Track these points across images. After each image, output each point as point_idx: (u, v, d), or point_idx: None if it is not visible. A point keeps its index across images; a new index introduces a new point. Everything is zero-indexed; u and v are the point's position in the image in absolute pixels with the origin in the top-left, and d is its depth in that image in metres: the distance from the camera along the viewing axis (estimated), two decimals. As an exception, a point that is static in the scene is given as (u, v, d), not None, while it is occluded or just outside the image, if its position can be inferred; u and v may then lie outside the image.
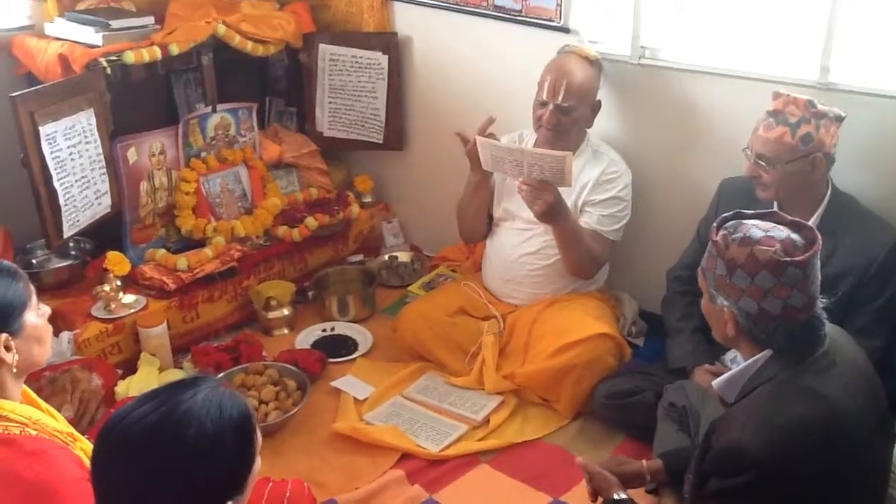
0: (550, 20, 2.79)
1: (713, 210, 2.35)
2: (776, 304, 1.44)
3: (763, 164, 2.09)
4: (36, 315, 1.55)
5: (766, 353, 1.49)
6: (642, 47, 2.65)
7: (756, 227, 1.49)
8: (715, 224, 1.56)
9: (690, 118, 2.60)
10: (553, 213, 2.39)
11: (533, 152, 2.34)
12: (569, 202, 2.50)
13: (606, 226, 2.56)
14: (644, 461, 1.90)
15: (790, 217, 1.55)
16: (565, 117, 2.51)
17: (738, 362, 1.62)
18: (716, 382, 1.59)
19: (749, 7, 2.44)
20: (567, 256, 2.54)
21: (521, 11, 2.87)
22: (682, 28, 2.60)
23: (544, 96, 2.52)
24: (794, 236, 1.48)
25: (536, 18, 2.83)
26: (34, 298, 1.55)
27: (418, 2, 3.20)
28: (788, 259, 1.43)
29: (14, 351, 1.48)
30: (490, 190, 2.74)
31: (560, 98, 2.49)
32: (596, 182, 2.56)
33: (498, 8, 2.94)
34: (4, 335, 1.46)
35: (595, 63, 2.58)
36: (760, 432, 1.39)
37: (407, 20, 3.29)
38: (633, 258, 2.85)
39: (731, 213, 1.58)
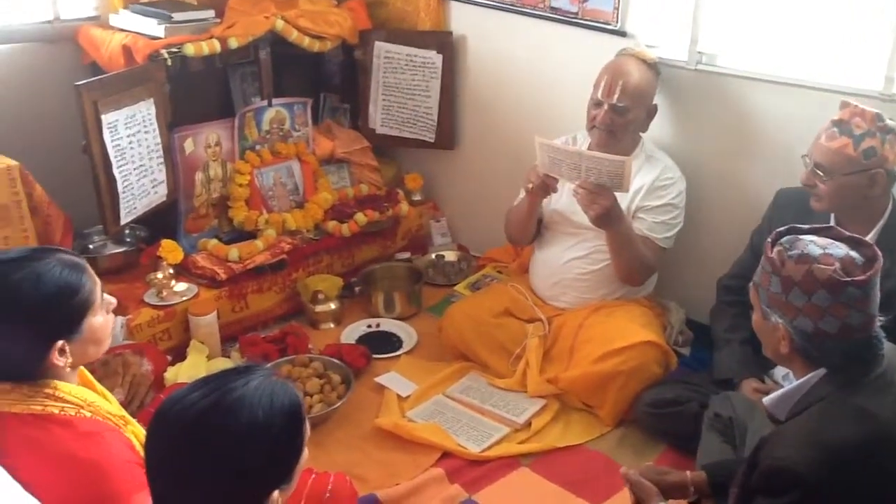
0: (607, 23, 2.78)
1: (767, 220, 2.32)
2: (834, 323, 1.41)
3: (820, 173, 2.05)
4: (100, 314, 1.56)
5: (820, 371, 1.46)
6: (700, 53, 2.61)
7: (814, 244, 1.45)
8: (770, 239, 1.52)
9: (747, 126, 2.57)
10: (609, 217, 2.37)
11: (592, 156, 2.33)
12: (622, 206, 2.47)
13: (658, 233, 2.53)
14: (687, 472, 1.87)
15: (848, 233, 1.51)
16: (619, 118, 2.49)
17: (790, 379, 1.59)
18: (767, 400, 1.56)
19: (811, 14, 2.39)
20: (618, 262, 2.52)
21: (577, 14, 2.86)
22: (741, 34, 2.57)
23: (599, 95, 2.51)
24: (854, 254, 1.44)
25: (593, 21, 2.82)
26: (99, 297, 1.56)
27: (474, 1, 3.21)
28: (848, 279, 1.39)
29: (68, 354, 1.49)
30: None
31: (615, 98, 2.47)
32: (650, 188, 2.53)
33: (554, 10, 2.92)
34: (61, 342, 1.48)
35: (653, 66, 2.56)
36: (810, 451, 1.36)
37: (462, 19, 3.30)
38: (682, 266, 2.81)
39: (785, 227, 1.54)
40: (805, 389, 1.48)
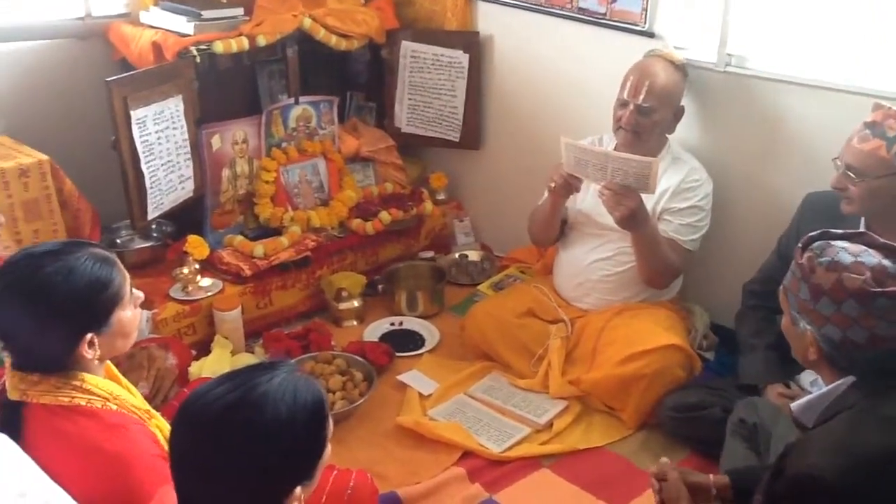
0: (635, 24, 2.76)
1: (795, 224, 2.29)
2: (862, 333, 1.39)
3: (852, 175, 2.02)
4: (128, 308, 1.57)
5: (849, 378, 1.44)
6: (729, 55, 2.59)
7: (845, 251, 1.42)
8: (800, 244, 1.50)
9: (776, 129, 2.54)
10: (634, 219, 2.36)
11: (618, 156, 2.31)
12: (647, 208, 2.45)
13: (684, 235, 2.51)
14: (710, 475, 1.86)
15: (882, 240, 1.49)
16: (645, 119, 2.48)
17: (818, 385, 1.58)
18: (794, 405, 1.55)
19: (842, 16, 2.37)
20: (643, 264, 2.51)
21: (605, 14, 2.84)
22: (771, 36, 2.54)
23: (625, 96, 2.50)
24: (886, 263, 1.41)
25: (621, 22, 2.80)
26: (128, 291, 1.58)
27: (502, 2, 3.20)
28: (879, 289, 1.37)
29: (96, 347, 1.51)
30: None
31: (641, 98, 2.45)
32: (676, 190, 2.52)
33: (582, 10, 2.91)
34: (90, 335, 1.50)
35: (680, 68, 2.54)
36: (838, 460, 1.34)
37: (489, 19, 3.30)
38: (708, 269, 2.79)
39: (817, 232, 1.51)
40: (833, 396, 1.46)
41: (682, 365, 2.41)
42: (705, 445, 2.26)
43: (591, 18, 2.89)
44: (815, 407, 1.50)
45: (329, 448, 1.29)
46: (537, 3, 3.06)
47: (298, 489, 1.21)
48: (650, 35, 2.72)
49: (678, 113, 2.56)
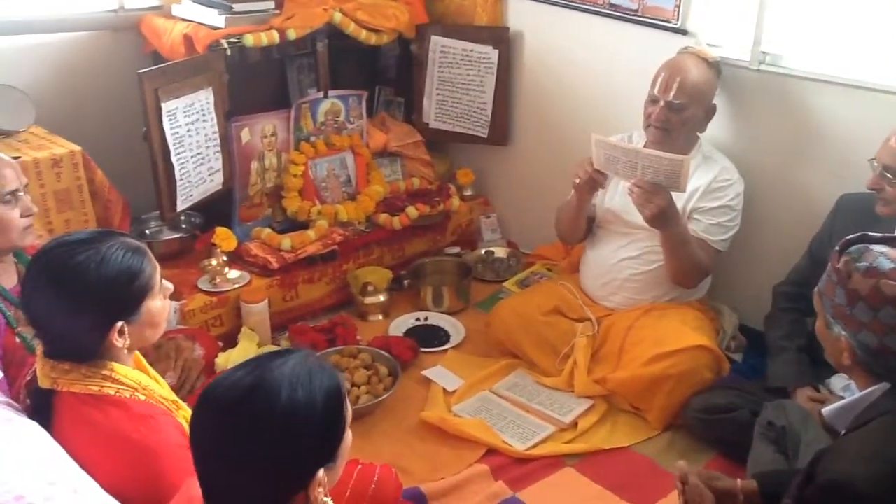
0: (667, 21, 2.73)
1: (829, 226, 2.26)
2: None
3: (889, 176, 1.98)
4: (158, 298, 1.59)
5: (884, 385, 1.42)
6: (763, 53, 2.56)
7: (884, 257, 1.38)
8: (837, 247, 1.46)
9: (809, 128, 2.50)
10: (664, 217, 2.33)
11: (649, 154, 2.29)
12: (678, 207, 2.43)
13: (714, 235, 2.48)
14: (738, 480, 1.83)
15: (922, 244, 1.45)
16: (675, 116, 2.45)
17: (850, 391, 1.55)
18: (826, 410, 1.52)
19: (878, 15, 2.32)
20: (672, 263, 2.48)
21: (637, 11, 2.82)
22: (807, 35, 2.50)
23: (656, 92, 2.47)
24: (926, 268, 1.38)
25: (653, 18, 2.77)
26: (158, 281, 1.59)
27: (533, -3, 3.19)
28: None
29: (126, 335, 1.52)
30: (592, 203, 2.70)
31: (672, 95, 2.43)
32: (707, 189, 2.49)
33: (613, 6, 2.89)
34: (120, 323, 1.51)
35: (714, 65, 2.51)
36: (870, 467, 1.32)
37: (520, 15, 3.28)
38: (737, 270, 2.76)
39: (855, 235, 1.47)
40: (867, 402, 1.43)
41: (709, 366, 2.39)
42: (732, 448, 2.24)
43: (622, 14, 2.86)
44: (848, 412, 1.47)
45: (350, 434, 1.28)
46: (568, -1, 3.04)
47: (321, 472, 1.20)
48: (683, 32, 2.69)
49: (710, 111, 2.53)
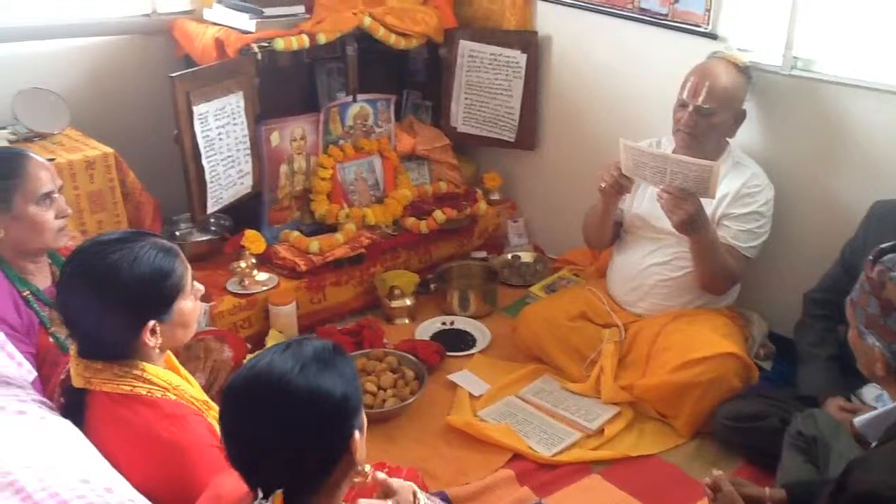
0: (697, 25, 2.71)
1: (862, 234, 2.23)
2: None
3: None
4: (189, 299, 1.61)
5: (918, 396, 1.40)
6: (795, 58, 2.53)
7: None
8: (871, 256, 1.44)
9: (842, 134, 2.47)
10: (693, 224, 2.32)
11: (678, 159, 2.27)
12: (706, 213, 2.41)
13: (744, 241, 2.46)
14: (766, 489, 1.82)
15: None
16: (704, 121, 2.43)
17: (882, 401, 1.53)
18: (858, 420, 1.50)
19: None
20: (701, 270, 2.47)
21: (667, 15, 2.80)
22: (839, 39, 2.47)
23: (684, 96, 2.46)
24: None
25: (683, 23, 2.76)
26: (190, 282, 1.61)
27: (561, 1, 3.18)
28: None
29: (158, 335, 1.55)
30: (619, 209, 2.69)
31: (700, 99, 2.41)
32: (736, 195, 2.47)
33: (643, 11, 2.87)
34: (153, 322, 1.53)
35: (744, 70, 2.49)
36: (904, 478, 1.30)
37: (548, 19, 3.28)
38: (767, 276, 2.73)
39: (889, 244, 1.45)
40: (900, 414, 1.42)
41: (738, 374, 2.36)
42: (760, 456, 2.22)
43: (652, 19, 2.85)
44: (881, 423, 1.45)
45: (365, 419, 1.30)
46: (597, 2, 3.03)
47: (357, 434, 1.24)
48: (713, 37, 2.67)
49: (739, 116, 2.51)
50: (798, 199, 2.61)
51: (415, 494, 1.31)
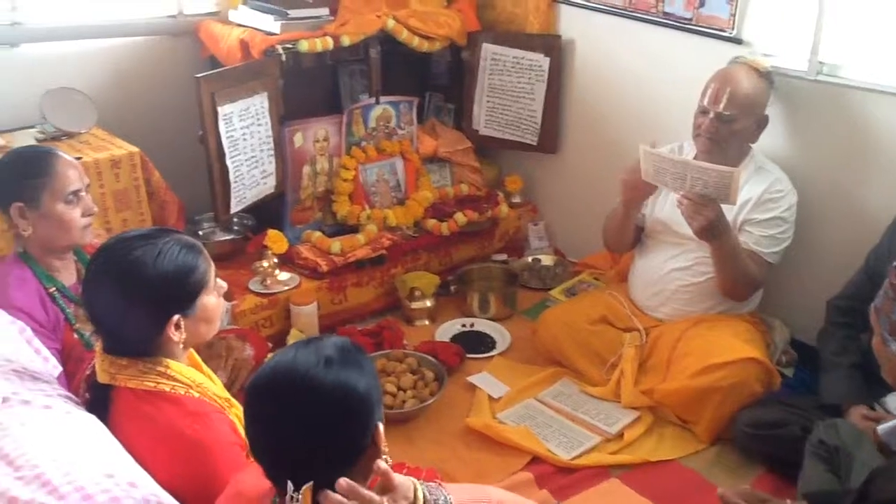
0: (722, 30, 2.70)
1: (886, 240, 2.21)
2: None
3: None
4: (212, 295, 1.62)
5: (944, 403, 1.39)
6: (820, 63, 2.51)
7: None
8: (895, 263, 1.44)
9: (867, 141, 2.45)
10: (713, 230, 2.30)
11: (698, 166, 2.26)
12: (728, 218, 2.40)
13: (766, 247, 2.44)
14: (788, 500, 1.80)
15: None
16: (725, 127, 2.42)
17: (907, 409, 1.51)
18: (881, 428, 1.49)
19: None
20: (722, 276, 2.45)
21: (691, 20, 2.79)
22: (866, 44, 2.45)
23: (705, 103, 2.45)
24: None
25: (707, 28, 2.75)
26: (213, 278, 1.63)
27: (585, 5, 3.18)
28: None
29: (182, 330, 1.56)
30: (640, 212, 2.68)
31: (721, 106, 2.40)
32: (758, 200, 2.45)
33: (667, 15, 2.87)
34: (177, 317, 1.54)
35: (765, 75, 2.47)
36: (929, 486, 1.29)
37: (572, 23, 3.27)
38: (790, 283, 2.71)
39: None
40: (926, 422, 1.40)
41: (760, 379, 2.35)
42: (781, 464, 2.20)
43: (676, 23, 2.84)
44: (905, 432, 1.44)
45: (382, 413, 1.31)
46: (621, 6, 3.02)
47: (380, 426, 1.27)
48: (738, 41, 2.66)
49: (762, 122, 2.49)
50: (822, 204, 2.59)
51: (415, 490, 1.31)
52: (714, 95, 2.42)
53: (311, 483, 1.18)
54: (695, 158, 2.48)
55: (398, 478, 1.29)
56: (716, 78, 2.46)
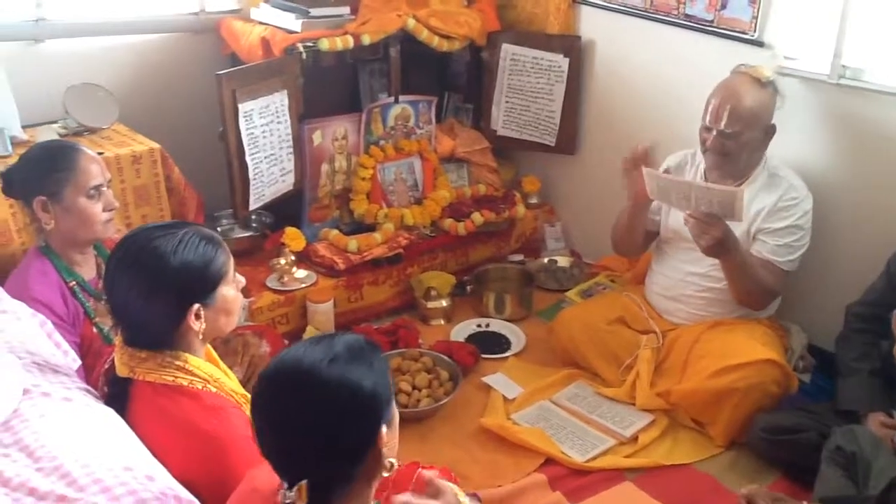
0: (744, 32, 2.69)
1: (908, 247, 2.19)
2: None
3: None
4: (231, 287, 1.64)
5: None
6: (843, 66, 2.49)
7: None
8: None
9: (890, 146, 2.43)
10: (721, 248, 2.30)
11: (701, 186, 2.26)
12: (741, 229, 2.40)
13: (781, 256, 2.42)
14: (804, 502, 1.79)
15: None
16: (731, 142, 2.38)
17: (927, 416, 1.50)
18: (902, 435, 1.48)
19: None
20: (734, 288, 2.44)
21: (712, 21, 2.78)
22: (890, 48, 2.42)
23: (707, 121, 2.42)
24: None
25: (728, 30, 2.73)
26: (232, 271, 1.64)
27: (605, 6, 3.17)
28: None
29: (202, 320, 1.57)
30: (648, 215, 2.67)
31: (723, 124, 2.36)
32: (772, 209, 2.42)
33: (688, 17, 2.85)
34: (197, 305, 1.55)
35: (767, 85, 2.40)
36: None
37: (592, 24, 3.27)
38: (808, 288, 2.69)
39: None
40: (946, 430, 1.39)
41: (777, 381, 2.33)
42: (797, 470, 2.20)
43: (697, 25, 2.83)
44: (924, 440, 1.43)
45: (397, 410, 1.30)
46: (642, 8, 3.01)
47: (384, 428, 1.23)
48: (759, 44, 2.64)
49: (769, 131, 2.44)
50: (843, 210, 2.57)
51: (456, 496, 1.31)
52: (715, 113, 2.39)
53: (305, 481, 1.18)
54: (705, 170, 2.47)
55: (443, 483, 1.29)
56: (716, 93, 2.42)
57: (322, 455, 1.20)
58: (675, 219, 2.60)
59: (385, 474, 1.27)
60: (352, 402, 1.20)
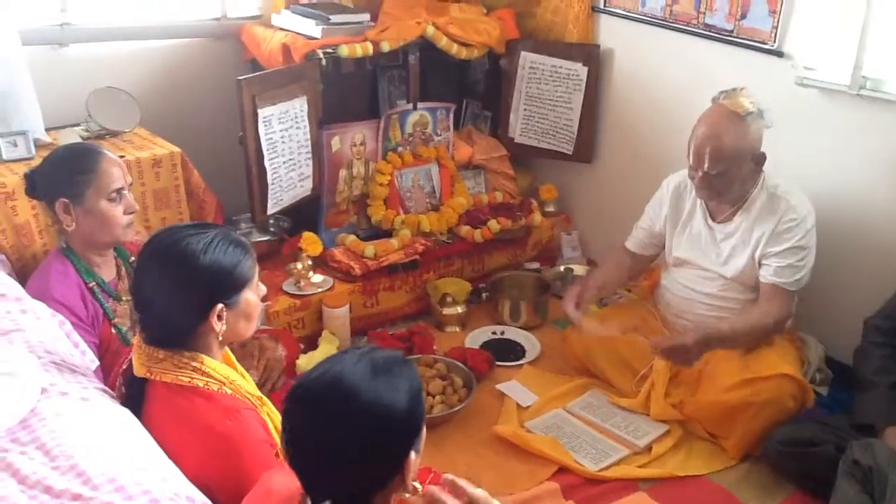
0: (764, 43, 2.68)
1: (927, 260, 2.17)
2: None
3: None
4: (254, 292, 1.65)
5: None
6: (864, 77, 2.48)
7: None
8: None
9: (911, 158, 2.42)
10: (707, 351, 2.36)
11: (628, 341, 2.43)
12: (745, 255, 2.41)
13: (786, 277, 2.37)
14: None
15: None
16: (718, 180, 2.35)
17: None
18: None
19: None
20: (748, 345, 2.43)
21: (732, 31, 2.77)
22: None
23: (691, 162, 2.38)
24: None
25: (748, 40, 2.73)
26: (257, 277, 1.65)
27: (625, 15, 3.17)
28: None
29: (224, 321, 1.58)
30: (642, 241, 2.77)
31: (706, 166, 2.32)
32: (772, 233, 2.38)
33: (708, 27, 2.85)
34: (220, 305, 1.56)
35: (747, 116, 2.31)
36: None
37: (611, 33, 3.27)
38: (826, 301, 2.67)
39: None
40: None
41: (794, 396, 2.31)
42: (813, 483, 2.18)
43: (717, 35, 2.82)
44: (942, 455, 1.41)
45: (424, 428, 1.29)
46: (661, 17, 3.01)
47: (413, 455, 1.23)
48: (779, 54, 2.64)
49: (759, 160, 2.37)
50: (861, 221, 2.55)
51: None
52: (697, 158, 2.34)
53: (329, 502, 1.18)
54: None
55: (473, 490, 1.28)
56: (696, 132, 2.36)
57: (347, 477, 1.20)
58: (679, 247, 2.60)
59: (406, 495, 1.27)
60: (387, 427, 1.20)
